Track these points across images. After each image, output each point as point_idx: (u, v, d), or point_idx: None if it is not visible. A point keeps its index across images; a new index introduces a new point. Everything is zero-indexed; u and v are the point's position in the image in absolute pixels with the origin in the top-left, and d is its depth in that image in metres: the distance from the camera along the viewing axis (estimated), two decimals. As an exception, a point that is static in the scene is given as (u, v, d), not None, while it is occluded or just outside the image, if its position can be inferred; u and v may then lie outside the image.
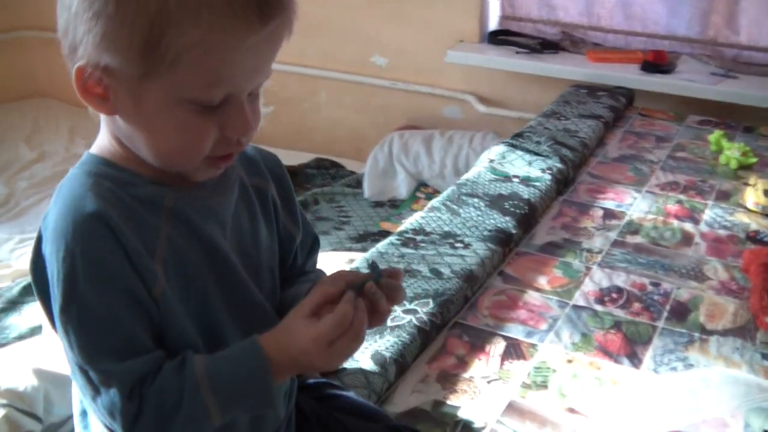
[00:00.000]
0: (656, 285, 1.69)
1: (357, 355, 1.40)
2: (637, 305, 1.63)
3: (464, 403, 1.35)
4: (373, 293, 0.86)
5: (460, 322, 1.57)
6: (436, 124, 3.18)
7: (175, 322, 0.85)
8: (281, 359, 0.83)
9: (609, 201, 2.06)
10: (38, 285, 0.85)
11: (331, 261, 2.01)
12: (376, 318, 0.87)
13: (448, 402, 1.35)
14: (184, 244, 0.86)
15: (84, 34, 0.78)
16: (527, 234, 1.90)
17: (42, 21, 3.70)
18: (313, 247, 1.07)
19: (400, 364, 1.41)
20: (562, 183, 2.11)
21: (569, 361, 1.46)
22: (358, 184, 3.02)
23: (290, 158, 3.33)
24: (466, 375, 1.42)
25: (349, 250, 2.48)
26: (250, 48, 0.78)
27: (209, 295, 0.88)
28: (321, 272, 1.08)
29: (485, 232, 1.81)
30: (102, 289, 0.80)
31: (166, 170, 0.86)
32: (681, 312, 1.61)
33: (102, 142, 0.88)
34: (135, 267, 0.81)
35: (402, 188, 2.93)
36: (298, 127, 3.49)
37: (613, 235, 1.89)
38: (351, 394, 1.18)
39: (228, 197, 0.92)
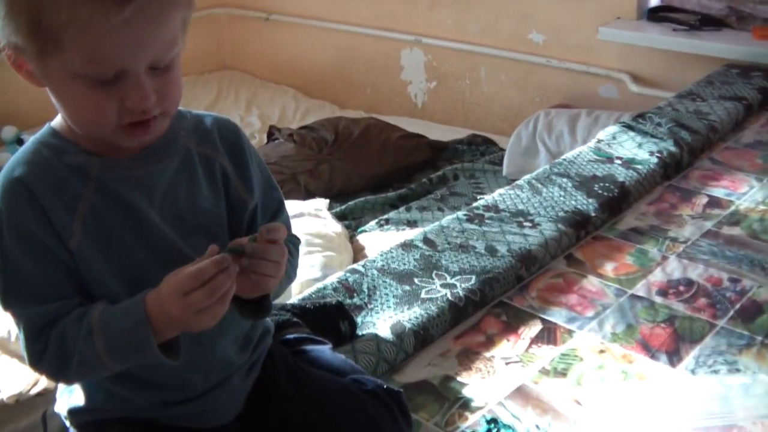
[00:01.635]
0: (735, 281, 1.55)
1: (378, 323, 1.42)
2: (702, 300, 1.50)
3: (474, 381, 1.33)
4: (245, 257, 0.89)
5: (505, 302, 1.54)
6: (592, 103, 3.05)
7: (94, 273, 0.94)
8: (156, 312, 0.88)
9: (720, 189, 1.89)
10: None
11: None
12: (251, 280, 0.91)
13: (458, 378, 1.34)
14: (105, 207, 0.94)
15: None
16: (613, 218, 1.80)
17: (231, -2, 4.00)
18: (278, 211, 1.10)
19: (421, 337, 1.41)
20: (672, 167, 1.97)
21: (601, 352, 1.39)
22: (502, 161, 2.98)
23: (447, 134, 3.35)
24: (487, 354, 1.40)
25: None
26: (121, 26, 0.83)
27: (134, 253, 0.95)
28: (292, 238, 1.12)
29: (561, 213, 1.74)
30: (20, 244, 0.91)
31: (92, 138, 0.93)
32: (751, 312, 1.46)
33: (57, 114, 0.98)
34: (52, 224, 0.91)
35: (541, 167, 2.84)
36: (456, 103, 3.49)
37: (708, 224, 1.75)
38: (326, 349, 1.20)
39: (161, 166, 0.98)
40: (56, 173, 0.93)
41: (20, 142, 3.22)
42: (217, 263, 0.87)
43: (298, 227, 2.25)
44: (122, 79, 0.87)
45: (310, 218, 2.40)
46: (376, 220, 2.56)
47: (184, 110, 1.03)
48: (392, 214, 2.61)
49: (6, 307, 0.93)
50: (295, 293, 1.88)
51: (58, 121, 0.97)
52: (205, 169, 1.02)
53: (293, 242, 1.11)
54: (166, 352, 0.90)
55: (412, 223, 2.55)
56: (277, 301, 1.41)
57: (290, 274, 1.08)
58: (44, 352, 0.91)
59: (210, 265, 0.86)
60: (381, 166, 2.97)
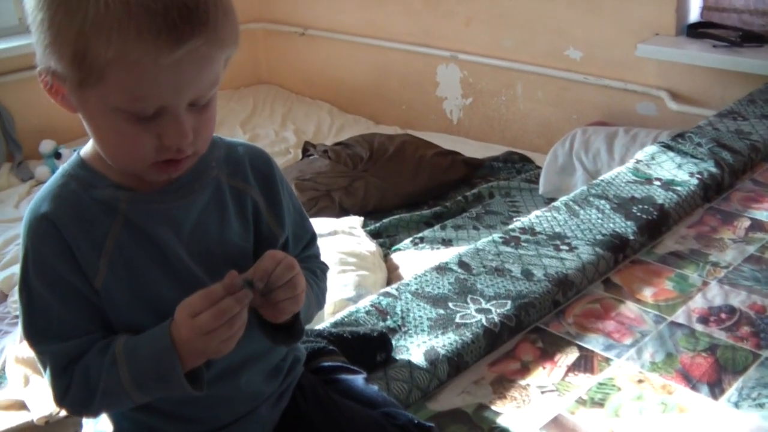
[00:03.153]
0: (779, 309, 1.51)
1: (411, 347, 1.40)
2: (745, 329, 1.46)
3: (508, 410, 1.30)
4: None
5: (541, 327, 1.51)
6: (630, 121, 3.01)
7: (119, 309, 0.93)
8: (177, 337, 0.87)
9: (762, 211, 1.85)
10: None
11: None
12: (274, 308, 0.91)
13: (492, 407, 1.31)
14: (133, 243, 0.93)
15: (36, 42, 0.86)
16: (652, 241, 1.76)
17: (267, 14, 4.01)
18: (309, 244, 1.09)
19: (455, 363, 1.39)
20: (713, 189, 1.92)
21: (640, 381, 1.35)
22: (538, 179, 2.95)
23: (482, 151, 3.32)
24: (523, 382, 1.37)
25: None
26: (169, 67, 0.82)
27: (160, 288, 0.94)
28: (319, 264, 1.11)
29: (598, 236, 1.71)
30: (45, 282, 0.90)
31: (125, 172, 0.92)
32: (797, 342, 1.42)
33: (88, 142, 0.97)
34: (78, 262, 0.91)
35: (578, 185, 2.80)
36: (491, 120, 3.46)
37: (751, 249, 1.70)
38: (359, 379, 1.18)
39: (192, 200, 0.96)
40: (84, 209, 0.92)
41: (58, 156, 3.26)
42: (226, 286, 0.86)
43: (332, 245, 2.24)
44: (162, 115, 0.86)
45: (344, 236, 2.39)
46: (411, 239, 2.55)
47: (216, 137, 1.01)
48: (427, 233, 2.59)
49: (31, 344, 0.93)
50: (328, 313, 1.87)
51: (87, 149, 0.96)
52: (235, 202, 1.00)
53: (321, 269, 1.10)
54: (192, 383, 0.89)
55: (447, 242, 2.53)
56: (314, 327, 1.40)
57: (320, 300, 1.07)
58: (69, 387, 0.91)
59: (219, 288, 0.86)
60: (416, 184, 2.96)
